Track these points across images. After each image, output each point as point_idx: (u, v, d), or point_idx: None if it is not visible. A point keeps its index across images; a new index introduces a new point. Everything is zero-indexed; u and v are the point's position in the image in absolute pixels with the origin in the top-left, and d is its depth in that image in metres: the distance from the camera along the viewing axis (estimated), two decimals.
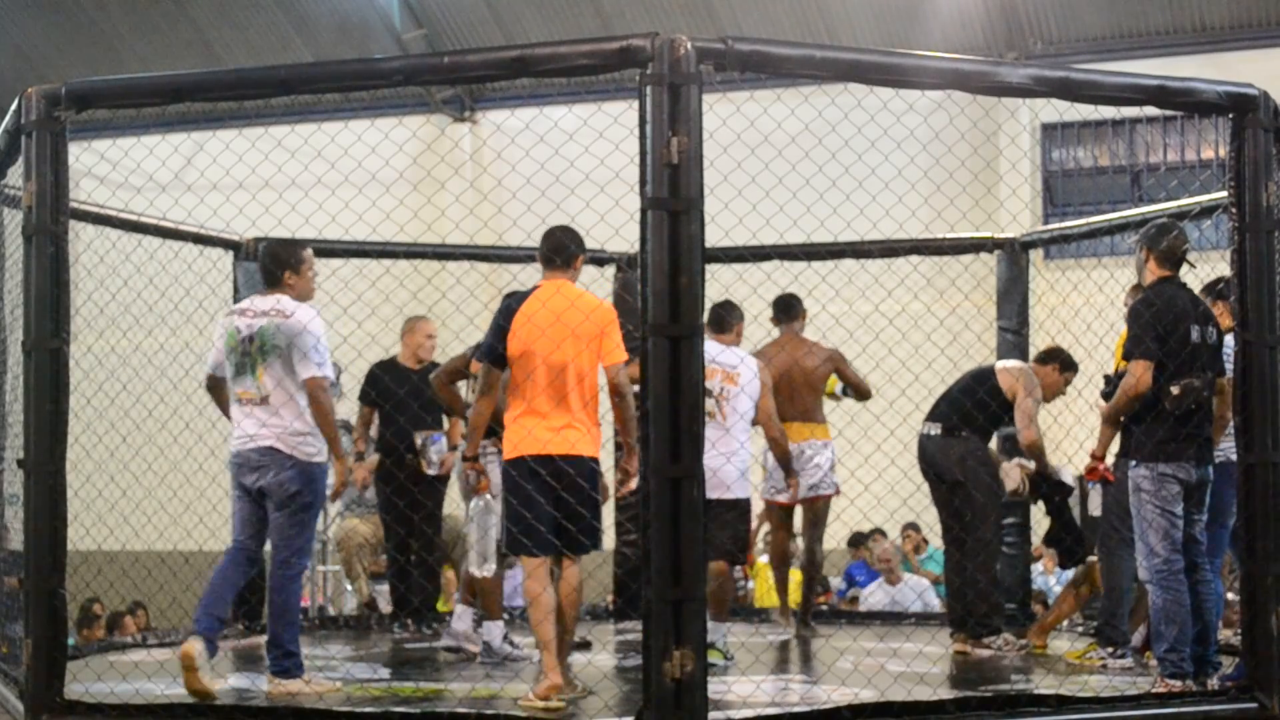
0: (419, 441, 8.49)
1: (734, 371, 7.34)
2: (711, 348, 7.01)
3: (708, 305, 5.09)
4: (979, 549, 7.65)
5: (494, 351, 5.94)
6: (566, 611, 5.89)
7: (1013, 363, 7.93)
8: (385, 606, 9.98)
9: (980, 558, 7.65)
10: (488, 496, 6.41)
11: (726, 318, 7.57)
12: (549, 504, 5.84)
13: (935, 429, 7.70)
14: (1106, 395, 6.73)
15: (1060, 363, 7.86)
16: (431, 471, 8.53)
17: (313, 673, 6.27)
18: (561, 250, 6.05)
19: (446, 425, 8.63)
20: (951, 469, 7.63)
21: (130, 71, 15.45)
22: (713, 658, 6.52)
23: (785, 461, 7.98)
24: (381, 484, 8.65)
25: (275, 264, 6.25)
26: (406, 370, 8.70)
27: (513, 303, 6.00)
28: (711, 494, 6.58)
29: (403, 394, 8.47)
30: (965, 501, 7.64)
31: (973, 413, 7.58)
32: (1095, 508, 7.45)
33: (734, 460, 7.21)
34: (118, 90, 5.98)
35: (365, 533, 9.64)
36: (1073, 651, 7.38)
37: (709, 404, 7.03)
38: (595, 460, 5.97)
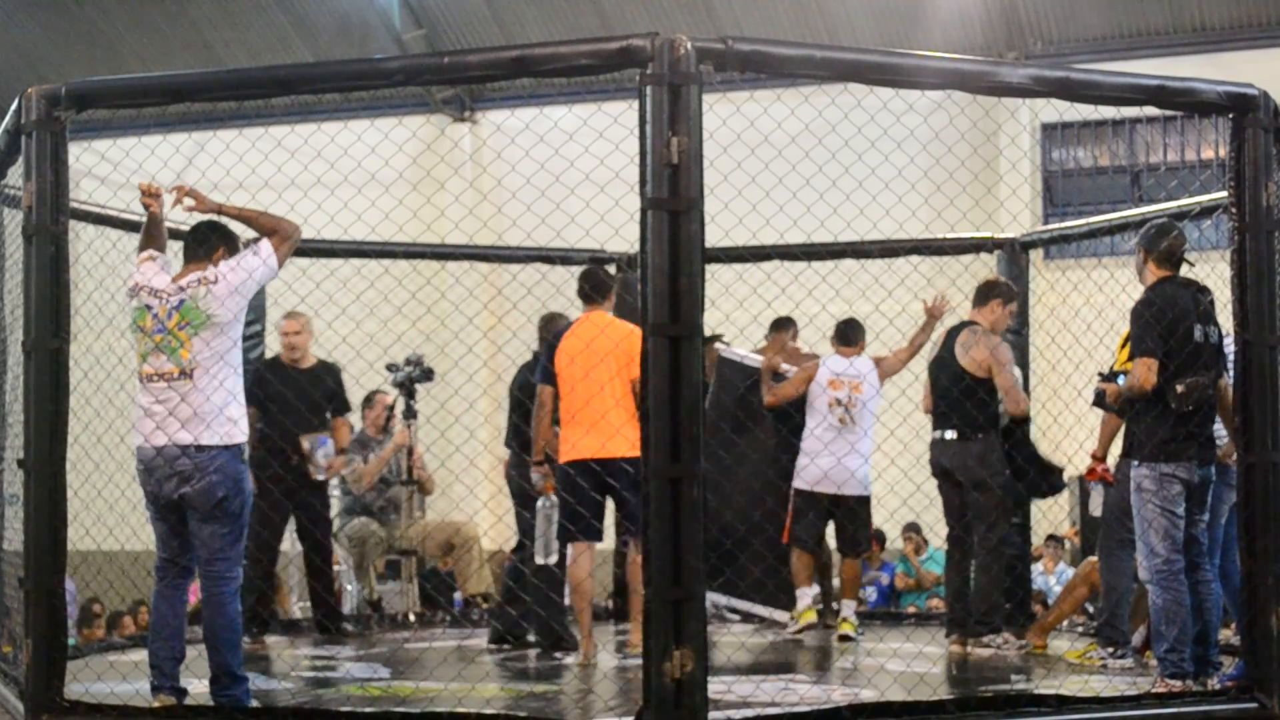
0: (305, 445, 8.25)
1: (859, 380, 8.28)
2: (838, 362, 8.30)
3: (708, 305, 5.09)
4: (988, 549, 7.70)
5: (546, 375, 7.29)
6: (636, 585, 6.93)
7: (964, 334, 7.75)
8: (389, 607, 9.99)
9: (986, 558, 7.70)
10: (553, 496, 7.30)
11: (852, 333, 8.42)
12: (599, 499, 7.02)
13: (950, 434, 7.70)
14: (1099, 393, 6.73)
15: (999, 296, 7.84)
16: (320, 476, 8.32)
17: (313, 673, 6.24)
18: (597, 287, 7.28)
19: (336, 424, 8.51)
20: (973, 469, 7.64)
21: (130, 71, 15.46)
22: (845, 629, 8.16)
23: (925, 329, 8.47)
24: (268, 487, 8.03)
25: (219, 235, 5.69)
26: (291, 370, 8.39)
27: (558, 333, 7.35)
28: (850, 491, 8.27)
29: (290, 395, 8.13)
30: (988, 498, 7.66)
31: (974, 414, 7.58)
32: (1096, 508, 7.45)
33: (855, 458, 8.19)
34: (118, 90, 5.97)
35: (380, 534, 9.66)
36: (1073, 651, 7.38)
37: (839, 413, 8.23)
38: (638, 459, 6.56)
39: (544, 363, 7.32)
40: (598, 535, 7.23)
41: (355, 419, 10.66)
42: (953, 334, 7.84)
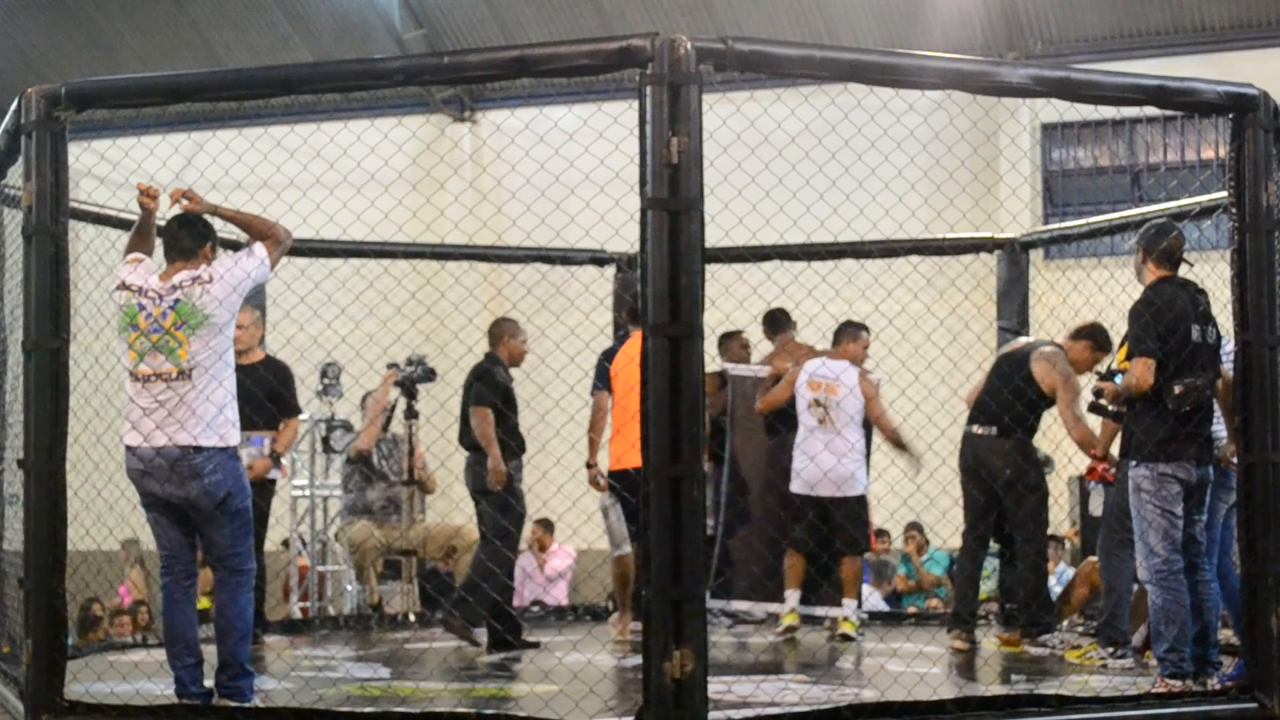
0: None
1: (834, 382, 8.26)
2: (815, 364, 8.36)
3: (708, 305, 5.09)
4: (1034, 548, 7.73)
5: (602, 382, 8.25)
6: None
7: (1047, 348, 7.75)
8: (390, 608, 10.00)
9: (1035, 557, 7.73)
10: (609, 495, 8.13)
11: (838, 334, 8.47)
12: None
13: (989, 430, 7.68)
14: (1096, 394, 6.73)
15: (1092, 340, 7.69)
16: None
17: (313, 673, 6.23)
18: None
19: (281, 427, 7.99)
20: (1004, 469, 7.64)
21: (130, 71, 15.44)
22: (846, 629, 8.24)
23: (898, 444, 8.38)
24: None
25: (208, 233, 5.69)
26: None
27: (611, 349, 8.20)
28: (824, 492, 8.25)
29: None
30: (1017, 502, 7.66)
31: (1024, 414, 7.58)
32: (1096, 508, 7.46)
33: (845, 460, 8.14)
34: (118, 90, 5.97)
35: (380, 536, 9.65)
36: (1073, 651, 7.38)
37: (819, 413, 8.28)
38: None
39: (599, 371, 8.28)
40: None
41: (356, 419, 10.68)
42: (1032, 346, 7.81)
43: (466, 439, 7.97)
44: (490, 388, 7.81)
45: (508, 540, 7.81)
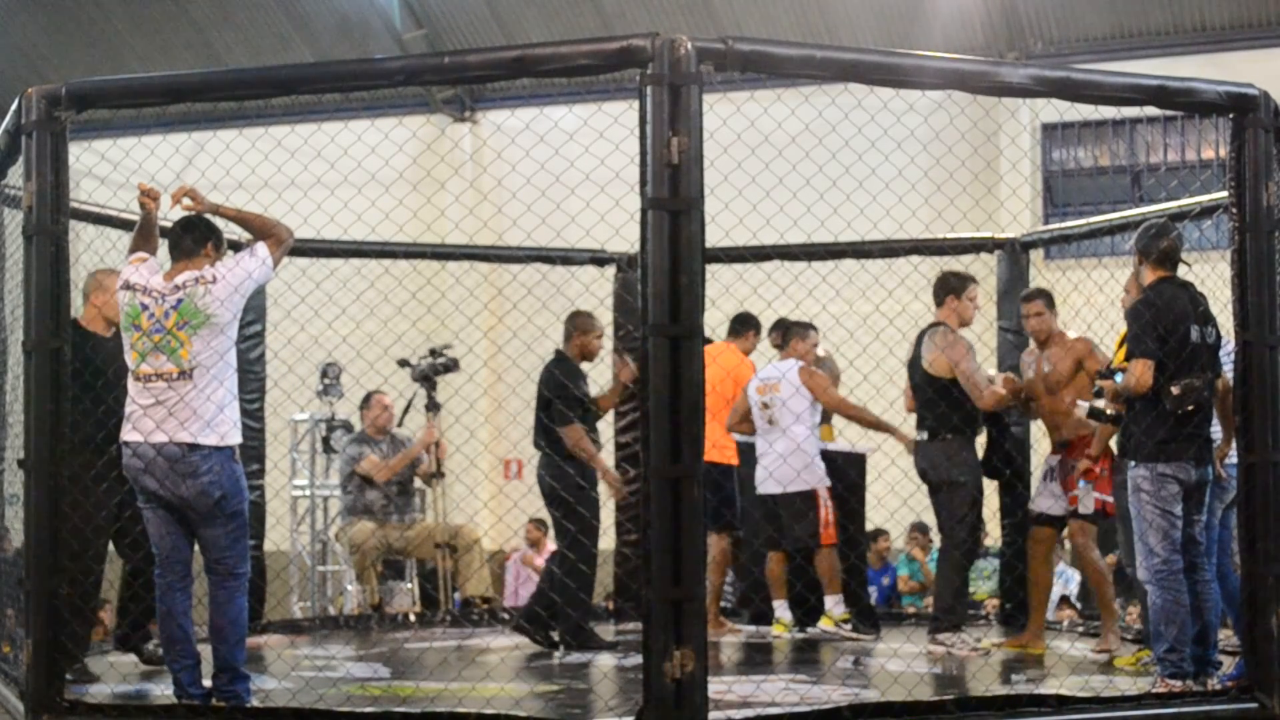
0: None
1: (775, 383, 8.33)
2: (763, 369, 8.50)
3: (708, 305, 5.10)
4: (952, 543, 7.65)
5: None
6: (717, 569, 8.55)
7: (928, 336, 7.75)
8: (390, 608, 10.00)
9: (953, 552, 7.65)
10: None
11: (786, 336, 8.58)
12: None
13: (923, 435, 7.75)
14: (1096, 394, 6.73)
15: (951, 292, 7.71)
16: None
17: (313, 673, 6.23)
18: (735, 325, 8.89)
19: None
20: (942, 468, 7.66)
21: (130, 71, 15.45)
22: (824, 624, 8.24)
23: (873, 425, 8.46)
24: (93, 483, 6.16)
25: (211, 231, 5.70)
26: (100, 338, 6.64)
27: None
28: (766, 489, 8.27)
29: (101, 365, 6.40)
30: (946, 500, 7.67)
31: (947, 414, 7.59)
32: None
33: (790, 459, 8.03)
34: (118, 90, 5.98)
35: (380, 536, 9.64)
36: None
37: (767, 414, 8.32)
38: (727, 465, 8.61)
39: None
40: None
41: (356, 419, 10.67)
42: (921, 336, 7.86)
43: (541, 440, 7.91)
44: (569, 404, 7.72)
45: (580, 551, 7.74)
